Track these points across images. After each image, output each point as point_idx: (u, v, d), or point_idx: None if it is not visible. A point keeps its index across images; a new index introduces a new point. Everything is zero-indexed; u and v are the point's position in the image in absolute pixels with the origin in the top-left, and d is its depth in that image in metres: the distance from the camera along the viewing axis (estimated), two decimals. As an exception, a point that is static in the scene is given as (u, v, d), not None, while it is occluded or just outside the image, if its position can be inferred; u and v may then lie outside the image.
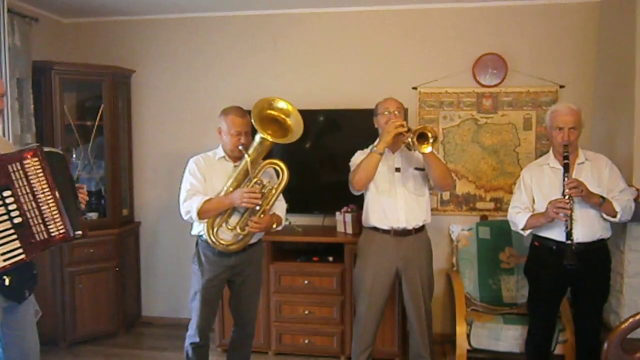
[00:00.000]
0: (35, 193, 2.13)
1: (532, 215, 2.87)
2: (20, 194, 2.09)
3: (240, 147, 2.84)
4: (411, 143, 2.79)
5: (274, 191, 2.87)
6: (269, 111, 2.93)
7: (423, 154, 2.79)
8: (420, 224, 3.06)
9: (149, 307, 4.42)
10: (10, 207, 2.07)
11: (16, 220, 2.08)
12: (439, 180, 2.96)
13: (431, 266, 3.16)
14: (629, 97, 3.15)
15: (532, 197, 2.94)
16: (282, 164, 2.88)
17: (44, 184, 2.15)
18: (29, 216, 2.10)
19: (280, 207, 2.99)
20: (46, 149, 2.21)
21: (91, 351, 3.83)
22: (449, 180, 3.04)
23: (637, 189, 3.04)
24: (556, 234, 2.80)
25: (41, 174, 2.15)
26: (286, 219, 3.78)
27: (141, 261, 4.40)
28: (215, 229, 2.84)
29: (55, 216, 2.17)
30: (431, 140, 2.75)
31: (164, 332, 4.21)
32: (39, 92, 3.74)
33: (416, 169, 3.01)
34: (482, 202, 3.90)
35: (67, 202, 2.23)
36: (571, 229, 2.70)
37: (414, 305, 3.08)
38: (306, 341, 3.65)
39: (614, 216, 2.77)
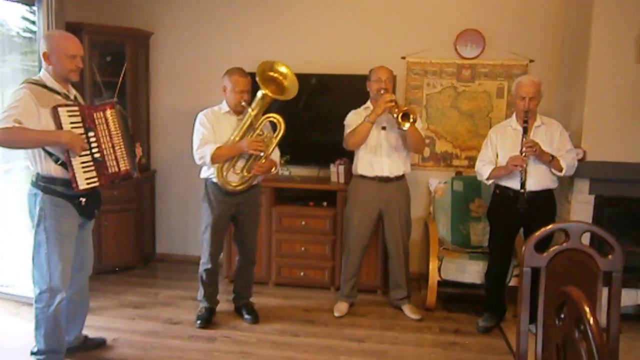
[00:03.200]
0: (112, 136, 2.72)
1: (494, 168, 3.44)
2: (100, 135, 2.68)
3: (243, 103, 3.28)
4: (395, 119, 3.34)
5: (274, 140, 3.33)
6: (270, 72, 3.35)
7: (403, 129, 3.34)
8: (401, 174, 3.63)
9: (162, 245, 4.99)
10: (93, 145, 2.65)
11: (96, 155, 2.66)
12: (412, 147, 3.58)
13: (409, 209, 3.74)
14: (583, 72, 3.68)
15: (496, 153, 3.50)
16: (279, 117, 3.29)
17: (118, 130, 2.76)
18: (105, 153, 2.69)
19: (275, 154, 3.45)
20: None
21: (115, 280, 4.38)
22: (420, 148, 3.69)
23: (583, 151, 3.61)
24: (513, 183, 3.37)
25: (117, 123, 2.75)
26: (287, 169, 4.33)
27: (156, 204, 4.93)
28: (225, 173, 3.31)
29: (124, 156, 2.77)
30: (411, 120, 3.29)
31: (175, 267, 4.78)
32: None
33: (399, 129, 3.53)
34: (457, 159, 4.45)
35: (130, 149, 2.82)
36: (525, 180, 3.28)
37: (394, 241, 3.68)
38: (302, 274, 4.21)
39: (560, 171, 3.35)
